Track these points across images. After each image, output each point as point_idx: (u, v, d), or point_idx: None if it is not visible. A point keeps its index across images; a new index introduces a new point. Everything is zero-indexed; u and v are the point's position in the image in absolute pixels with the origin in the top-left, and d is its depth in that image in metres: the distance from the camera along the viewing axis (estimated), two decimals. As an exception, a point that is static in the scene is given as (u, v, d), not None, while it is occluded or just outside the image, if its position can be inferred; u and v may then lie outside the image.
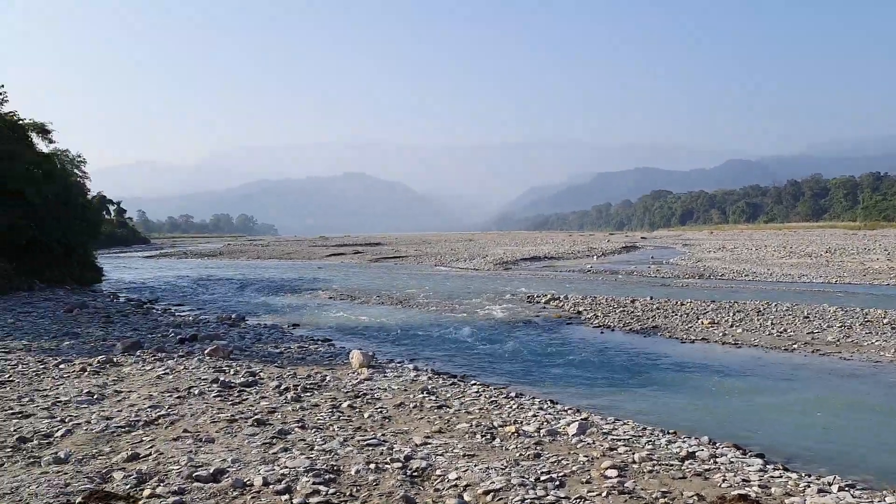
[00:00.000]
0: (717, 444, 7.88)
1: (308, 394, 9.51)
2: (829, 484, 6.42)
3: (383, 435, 7.55)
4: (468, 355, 13.97)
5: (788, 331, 15.57)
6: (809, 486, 6.23)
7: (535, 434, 7.85)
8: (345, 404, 8.90)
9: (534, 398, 10.09)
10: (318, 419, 8.13)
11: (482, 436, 7.64)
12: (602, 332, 16.64)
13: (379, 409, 8.73)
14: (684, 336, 15.58)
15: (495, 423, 8.20)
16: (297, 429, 7.63)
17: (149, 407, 8.39)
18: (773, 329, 15.80)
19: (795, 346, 14.07)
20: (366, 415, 8.43)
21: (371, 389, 10.00)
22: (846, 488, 6.34)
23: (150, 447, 6.80)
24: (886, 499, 6.05)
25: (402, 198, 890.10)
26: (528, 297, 23.62)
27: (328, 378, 10.69)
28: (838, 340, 14.33)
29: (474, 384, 10.87)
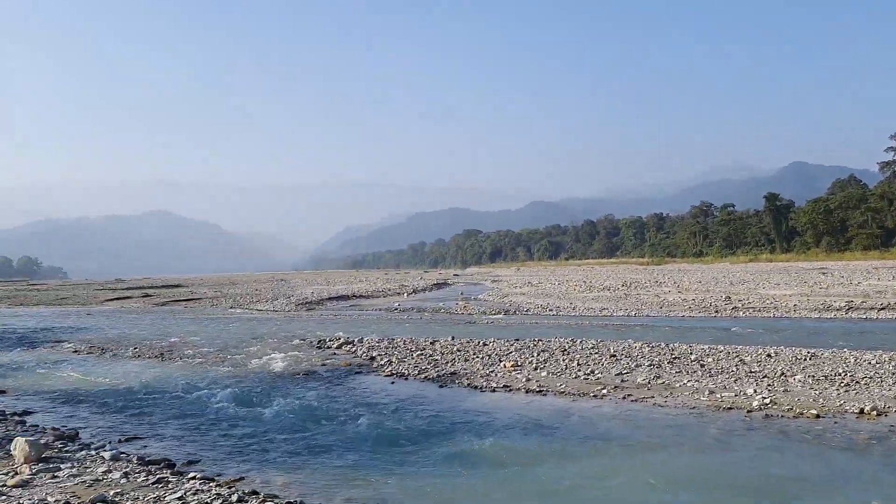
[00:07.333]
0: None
1: None
2: None
3: None
4: (212, 426, 10.71)
5: (596, 372, 13.97)
6: None
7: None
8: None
9: (267, 499, 7.11)
10: None
11: None
12: (393, 383, 14.11)
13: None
14: (484, 384, 13.41)
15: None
16: None
17: None
18: (579, 371, 14.14)
19: (605, 390, 12.36)
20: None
21: (22, 498, 6.57)
22: None
23: None
24: None
25: (212, 237, 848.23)
26: (320, 341, 20.65)
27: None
28: (649, 382, 12.85)
29: (193, 477, 7.68)
